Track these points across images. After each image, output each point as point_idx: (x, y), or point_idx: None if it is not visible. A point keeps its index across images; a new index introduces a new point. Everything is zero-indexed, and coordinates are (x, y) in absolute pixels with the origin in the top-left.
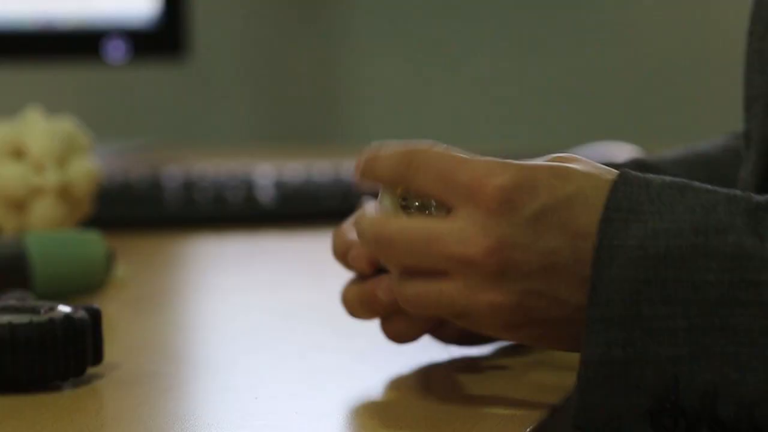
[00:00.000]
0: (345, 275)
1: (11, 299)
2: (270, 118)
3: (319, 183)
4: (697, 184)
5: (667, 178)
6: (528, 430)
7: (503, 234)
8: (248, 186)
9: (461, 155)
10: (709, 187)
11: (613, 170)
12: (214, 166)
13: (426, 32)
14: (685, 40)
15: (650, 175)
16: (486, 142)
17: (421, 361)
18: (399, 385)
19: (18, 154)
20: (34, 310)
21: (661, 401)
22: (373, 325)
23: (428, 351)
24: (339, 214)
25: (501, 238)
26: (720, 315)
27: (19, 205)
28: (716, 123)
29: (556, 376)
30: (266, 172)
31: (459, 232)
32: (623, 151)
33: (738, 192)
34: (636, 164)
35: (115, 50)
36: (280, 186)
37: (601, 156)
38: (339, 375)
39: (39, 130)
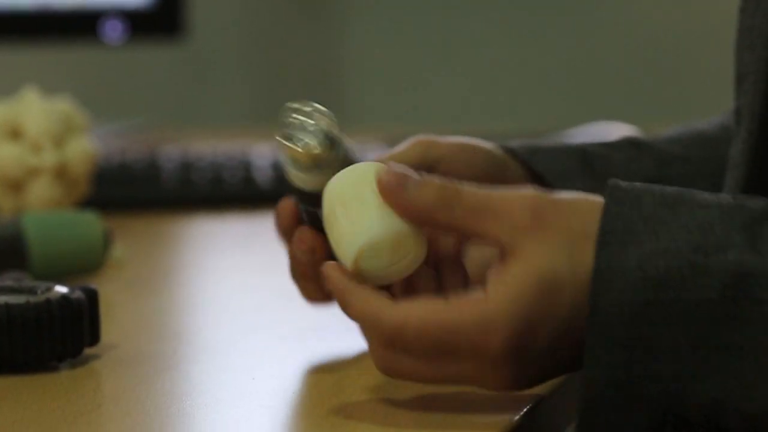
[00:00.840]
0: None
1: (8, 280)
2: (267, 99)
3: None
4: (687, 195)
5: (657, 191)
6: (516, 417)
7: (520, 370)
8: (246, 166)
9: (445, 318)
10: (701, 198)
11: (593, 202)
12: (211, 147)
13: (425, 14)
14: (680, 19)
15: (639, 188)
16: (485, 123)
17: None
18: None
19: (15, 134)
20: (31, 291)
21: (665, 416)
22: None
23: None
24: None
25: (519, 373)
26: (723, 333)
27: (16, 185)
28: (713, 102)
29: None
30: (263, 152)
31: (472, 375)
32: (620, 131)
33: (730, 201)
34: (629, 142)
35: (113, 31)
36: (278, 167)
37: (598, 135)
38: (336, 356)
39: (36, 110)
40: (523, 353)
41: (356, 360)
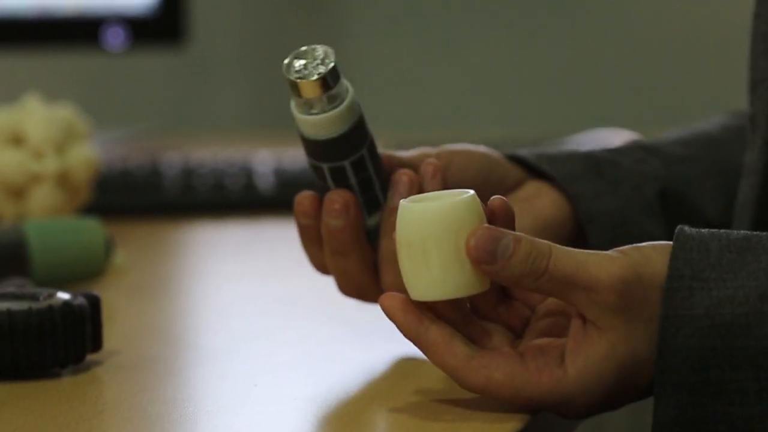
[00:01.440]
0: None
1: (10, 286)
2: (269, 105)
3: None
4: (755, 239)
5: (723, 237)
6: (522, 424)
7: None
8: (247, 173)
9: (518, 379)
10: (767, 243)
11: (657, 244)
12: (213, 153)
13: (426, 18)
14: (689, 24)
15: (706, 234)
16: (487, 129)
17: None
18: (397, 371)
19: (17, 141)
20: (33, 297)
21: None
22: (372, 312)
23: None
24: None
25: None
26: None
27: (18, 192)
28: (718, 108)
29: None
30: (265, 158)
31: None
32: (622, 137)
33: None
34: (635, 146)
35: (114, 37)
36: (279, 173)
37: (601, 141)
38: (337, 362)
39: (38, 117)
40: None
41: (359, 365)
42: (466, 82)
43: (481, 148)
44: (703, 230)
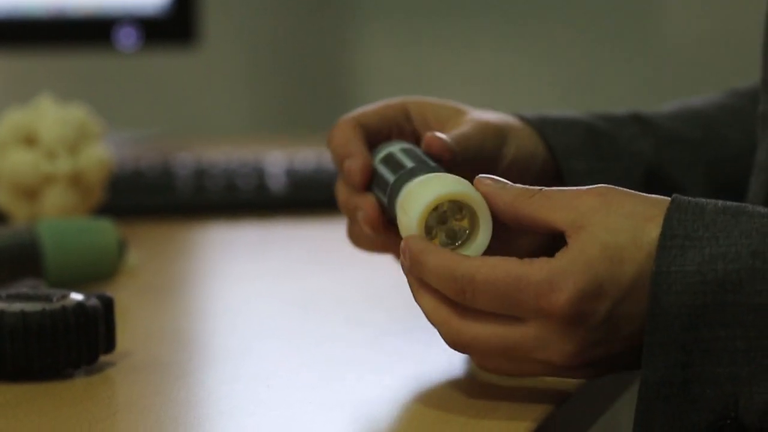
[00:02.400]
0: (356, 263)
1: (24, 287)
2: (280, 106)
3: (329, 171)
4: (750, 207)
5: (720, 203)
6: (536, 424)
7: (583, 339)
8: (259, 174)
9: (514, 271)
10: (763, 210)
11: (659, 198)
12: (225, 154)
13: (434, 22)
14: (700, 25)
15: (702, 200)
16: None
17: (436, 350)
18: (411, 374)
19: (30, 141)
20: (47, 298)
21: (722, 418)
22: (386, 314)
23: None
24: None
25: (582, 342)
26: None
27: (31, 192)
28: None
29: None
30: (277, 159)
31: (535, 340)
32: None
33: None
34: (634, 117)
35: (127, 38)
36: (291, 174)
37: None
38: (351, 364)
39: (51, 117)
40: (586, 319)
41: (372, 368)
42: (475, 84)
43: (489, 117)
44: (699, 198)
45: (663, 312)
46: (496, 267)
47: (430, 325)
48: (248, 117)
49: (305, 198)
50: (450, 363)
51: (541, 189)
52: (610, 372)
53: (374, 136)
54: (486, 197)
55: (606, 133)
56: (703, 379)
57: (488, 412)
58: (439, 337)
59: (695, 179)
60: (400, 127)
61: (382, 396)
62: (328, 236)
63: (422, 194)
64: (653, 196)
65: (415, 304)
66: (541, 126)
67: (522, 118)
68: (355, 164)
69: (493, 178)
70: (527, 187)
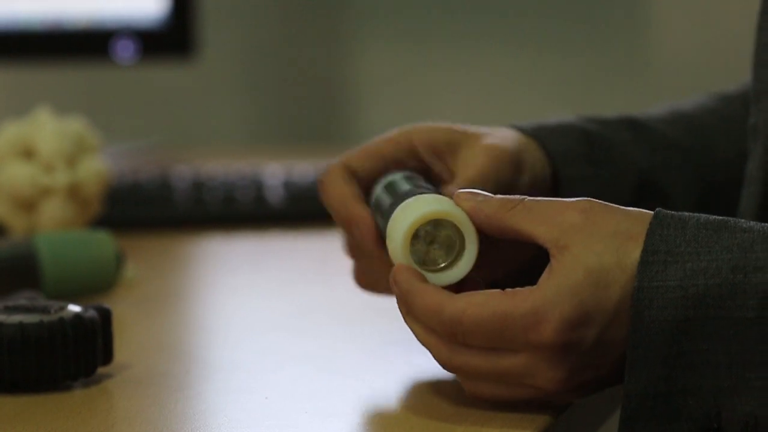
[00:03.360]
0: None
1: (21, 299)
2: (278, 118)
3: None
4: (732, 222)
5: (702, 218)
6: (538, 429)
7: (572, 365)
8: (257, 186)
9: (500, 308)
10: (744, 225)
11: (642, 213)
12: (223, 166)
13: (431, 31)
14: (694, 37)
15: (685, 214)
16: None
17: (433, 361)
18: (410, 384)
19: (28, 154)
20: (45, 310)
21: (705, 430)
22: (384, 325)
23: None
24: None
25: (571, 368)
26: (760, 351)
27: (29, 205)
28: None
29: None
30: (275, 172)
31: (525, 368)
32: None
33: None
34: (626, 121)
35: (124, 50)
36: (289, 186)
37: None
38: (349, 375)
39: (48, 130)
40: (574, 347)
41: (371, 378)
42: (476, 92)
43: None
44: (682, 212)
45: (645, 326)
46: (481, 306)
47: None
48: (246, 129)
49: (303, 210)
50: (448, 373)
51: (523, 199)
52: (600, 390)
53: (367, 179)
54: (467, 213)
55: (601, 139)
56: (685, 392)
57: (487, 422)
58: None
59: (687, 184)
60: (400, 162)
61: (379, 406)
62: (325, 248)
63: (403, 220)
64: (636, 210)
65: None
66: (541, 136)
67: (521, 130)
68: (362, 231)
69: (473, 192)
70: (508, 198)
